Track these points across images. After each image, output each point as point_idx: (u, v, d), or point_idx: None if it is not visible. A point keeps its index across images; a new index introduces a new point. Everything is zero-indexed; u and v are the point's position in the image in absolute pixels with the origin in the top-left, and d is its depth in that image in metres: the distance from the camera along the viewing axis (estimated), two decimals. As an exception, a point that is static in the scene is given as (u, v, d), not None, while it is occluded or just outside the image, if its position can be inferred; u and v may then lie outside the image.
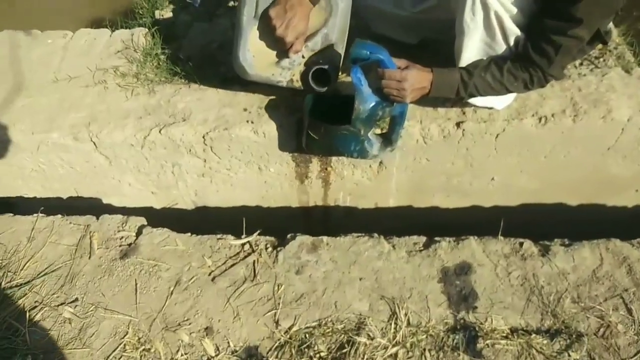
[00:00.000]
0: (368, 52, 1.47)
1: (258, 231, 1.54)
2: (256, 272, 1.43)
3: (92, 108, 1.87)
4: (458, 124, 1.83)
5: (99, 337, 1.35)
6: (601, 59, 1.99)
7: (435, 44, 1.85)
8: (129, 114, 1.85)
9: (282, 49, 1.57)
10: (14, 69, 1.99)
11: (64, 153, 1.86)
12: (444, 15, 1.68)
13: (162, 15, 2.43)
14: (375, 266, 1.45)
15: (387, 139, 1.71)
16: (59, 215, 1.62)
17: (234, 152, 1.86)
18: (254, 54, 1.58)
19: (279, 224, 2.18)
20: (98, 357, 1.32)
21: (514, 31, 1.50)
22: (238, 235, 1.57)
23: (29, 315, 1.40)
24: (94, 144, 1.83)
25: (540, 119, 1.82)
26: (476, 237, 1.51)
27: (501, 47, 1.54)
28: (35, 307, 1.42)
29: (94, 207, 2.09)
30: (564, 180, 2.05)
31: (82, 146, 1.84)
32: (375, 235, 1.55)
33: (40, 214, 1.64)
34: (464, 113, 1.83)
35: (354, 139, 1.62)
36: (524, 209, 2.18)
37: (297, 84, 1.65)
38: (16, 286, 1.46)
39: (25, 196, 2.07)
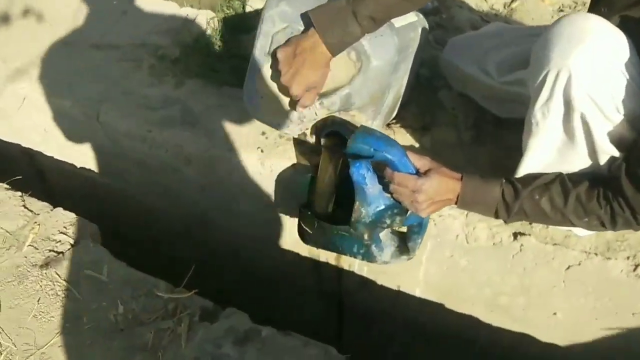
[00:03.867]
0: (372, 149, 1.06)
1: (195, 290, 1.23)
2: (161, 345, 1.13)
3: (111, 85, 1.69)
4: (515, 235, 1.34)
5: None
6: None
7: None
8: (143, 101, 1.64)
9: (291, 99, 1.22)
10: (67, 24, 1.89)
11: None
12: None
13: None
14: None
15: (404, 245, 1.26)
16: (18, 193, 1.46)
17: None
18: (262, 95, 1.25)
19: (286, 267, 1.86)
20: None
21: (607, 149, 0.99)
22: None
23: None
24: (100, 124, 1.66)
25: (636, 267, 1.26)
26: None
27: (583, 162, 1.02)
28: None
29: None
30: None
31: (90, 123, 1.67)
32: (331, 349, 1.16)
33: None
34: (530, 223, 1.33)
35: (356, 241, 1.21)
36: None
37: (312, 140, 1.30)
38: None
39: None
